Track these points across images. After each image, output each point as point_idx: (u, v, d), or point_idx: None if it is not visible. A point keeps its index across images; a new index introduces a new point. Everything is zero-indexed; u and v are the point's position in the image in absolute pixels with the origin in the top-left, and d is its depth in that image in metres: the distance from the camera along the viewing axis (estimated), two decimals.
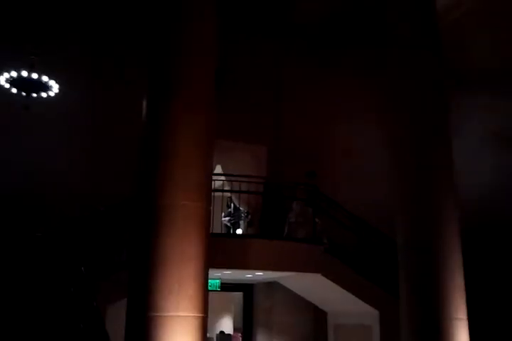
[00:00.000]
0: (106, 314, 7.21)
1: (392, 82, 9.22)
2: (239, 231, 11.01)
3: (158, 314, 5.76)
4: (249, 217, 11.12)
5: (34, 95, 9.09)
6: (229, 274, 10.29)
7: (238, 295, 13.12)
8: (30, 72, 8.85)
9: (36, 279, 7.71)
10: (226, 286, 11.59)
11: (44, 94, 9.17)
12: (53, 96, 9.29)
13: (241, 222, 11.19)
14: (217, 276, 10.62)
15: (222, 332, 17.25)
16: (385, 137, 9.36)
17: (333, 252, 9.93)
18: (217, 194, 10.47)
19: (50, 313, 6.95)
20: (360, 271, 9.98)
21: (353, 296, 9.90)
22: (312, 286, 10.59)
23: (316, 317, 11.91)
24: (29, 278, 7.71)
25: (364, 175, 11.78)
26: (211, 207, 6.66)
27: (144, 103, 6.76)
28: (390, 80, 9.26)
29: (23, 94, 9.05)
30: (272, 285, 11.72)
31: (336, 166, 12.08)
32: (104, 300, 7.35)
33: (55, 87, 9.16)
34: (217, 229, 10.48)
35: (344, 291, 9.86)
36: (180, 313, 5.82)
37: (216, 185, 10.44)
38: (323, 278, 9.68)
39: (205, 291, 6.17)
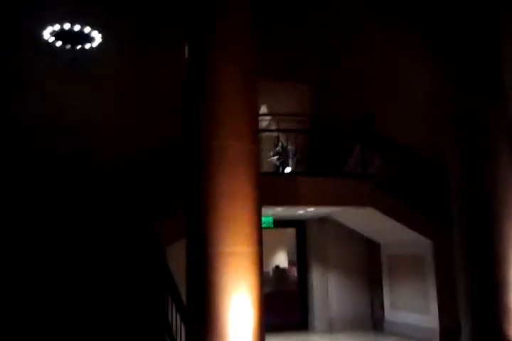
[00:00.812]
0: (165, 253, 7.54)
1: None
2: (287, 170, 11.15)
3: (216, 250, 6.04)
4: (298, 155, 11.22)
5: (78, 47, 9.18)
6: (281, 211, 10.53)
7: (292, 231, 13.44)
8: (72, 24, 8.92)
9: (99, 224, 8.13)
10: (279, 223, 11.89)
11: (87, 46, 9.26)
12: (97, 48, 9.36)
13: (289, 161, 11.31)
14: (270, 214, 10.90)
15: (277, 266, 17.89)
16: (432, 74, 9.06)
17: (383, 186, 10.02)
18: (264, 134, 10.63)
19: (115, 255, 7.37)
20: (410, 203, 10.07)
21: (405, 227, 10.05)
22: (364, 219, 10.77)
23: (369, 248, 12.16)
24: (93, 223, 8.14)
25: (412, 114, 11.49)
26: (259, 147, 6.80)
27: (187, 48, 6.81)
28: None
29: (68, 46, 9.15)
30: (324, 221, 11.96)
31: (384, 105, 11.77)
32: (164, 241, 7.68)
33: (97, 38, 9.22)
34: (266, 168, 10.73)
35: (396, 223, 10.01)
36: (238, 249, 6.09)
37: (263, 125, 10.55)
38: (375, 211, 9.83)
39: (259, 227, 6.40)
